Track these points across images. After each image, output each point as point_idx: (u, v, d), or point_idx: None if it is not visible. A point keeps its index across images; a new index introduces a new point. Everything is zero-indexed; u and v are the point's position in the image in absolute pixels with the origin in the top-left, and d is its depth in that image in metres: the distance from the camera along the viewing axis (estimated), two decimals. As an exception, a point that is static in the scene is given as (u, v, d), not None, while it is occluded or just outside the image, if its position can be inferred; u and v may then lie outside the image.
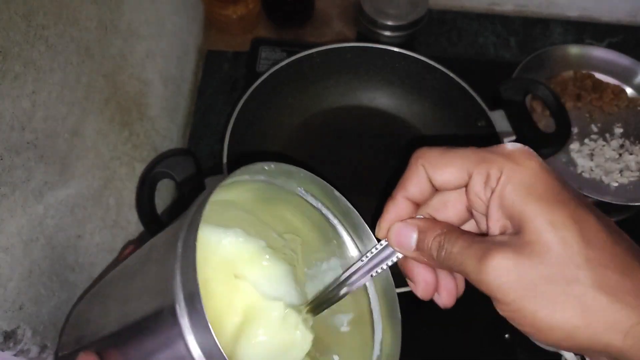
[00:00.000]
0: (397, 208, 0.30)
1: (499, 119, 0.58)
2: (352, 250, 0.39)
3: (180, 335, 0.25)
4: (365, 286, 0.38)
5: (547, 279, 0.24)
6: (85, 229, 0.43)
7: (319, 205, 0.38)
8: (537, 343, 0.29)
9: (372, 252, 0.32)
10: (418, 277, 0.31)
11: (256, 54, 0.74)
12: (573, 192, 0.26)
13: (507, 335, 0.57)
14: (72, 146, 0.40)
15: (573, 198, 0.25)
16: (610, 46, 0.79)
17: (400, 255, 0.31)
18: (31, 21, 0.33)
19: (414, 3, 0.69)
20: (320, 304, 0.35)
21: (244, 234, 0.39)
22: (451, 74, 0.62)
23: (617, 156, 0.66)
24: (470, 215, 0.30)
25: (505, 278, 0.25)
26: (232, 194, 0.37)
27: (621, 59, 0.72)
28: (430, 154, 0.29)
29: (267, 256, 0.39)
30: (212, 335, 0.24)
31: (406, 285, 0.48)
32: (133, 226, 0.52)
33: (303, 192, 0.38)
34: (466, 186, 0.28)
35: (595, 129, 0.68)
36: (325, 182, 0.37)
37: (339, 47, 0.64)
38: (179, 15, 0.66)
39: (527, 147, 0.27)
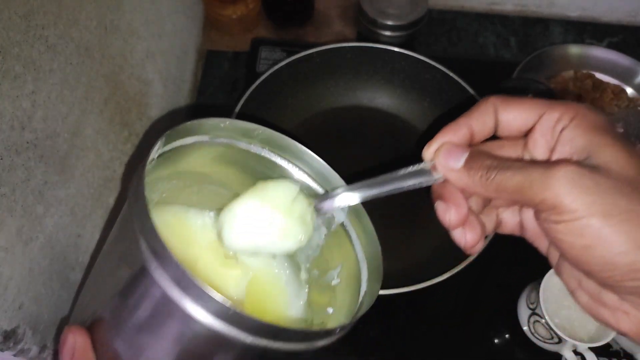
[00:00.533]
0: (453, 134, 0.30)
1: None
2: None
3: (154, 282, 0.26)
4: (347, 232, 0.37)
5: (620, 194, 0.24)
6: (85, 228, 0.43)
7: (286, 164, 0.38)
8: (569, 268, 0.29)
9: (408, 169, 0.31)
10: (451, 199, 0.29)
11: (256, 54, 0.74)
12: None
13: (507, 336, 0.57)
14: (72, 146, 0.40)
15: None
16: (610, 46, 0.79)
17: (438, 178, 0.30)
18: (31, 21, 0.33)
19: (414, 3, 0.69)
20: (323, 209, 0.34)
21: None
22: (451, 74, 0.62)
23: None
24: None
25: (581, 187, 0.24)
26: (199, 162, 0.37)
27: (621, 59, 0.72)
28: (503, 96, 0.29)
29: None
30: (180, 267, 0.24)
31: (406, 285, 0.48)
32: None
33: (268, 152, 0.37)
34: (529, 130, 0.29)
35: (595, 129, 0.68)
36: (287, 137, 0.36)
37: (339, 47, 0.64)
38: (179, 15, 0.66)
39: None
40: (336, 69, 0.65)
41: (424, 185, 0.30)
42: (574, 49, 0.73)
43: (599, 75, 0.72)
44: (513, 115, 0.29)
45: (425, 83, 0.64)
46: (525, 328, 0.56)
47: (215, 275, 0.38)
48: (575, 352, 0.52)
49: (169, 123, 0.63)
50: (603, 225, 0.23)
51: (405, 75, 0.65)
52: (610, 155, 0.25)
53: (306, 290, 0.40)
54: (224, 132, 0.35)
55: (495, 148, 0.31)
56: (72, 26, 0.39)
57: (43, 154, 0.36)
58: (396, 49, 0.64)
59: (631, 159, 0.25)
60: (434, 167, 0.30)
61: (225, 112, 0.69)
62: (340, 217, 0.38)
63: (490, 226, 0.32)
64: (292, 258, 0.41)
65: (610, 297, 0.27)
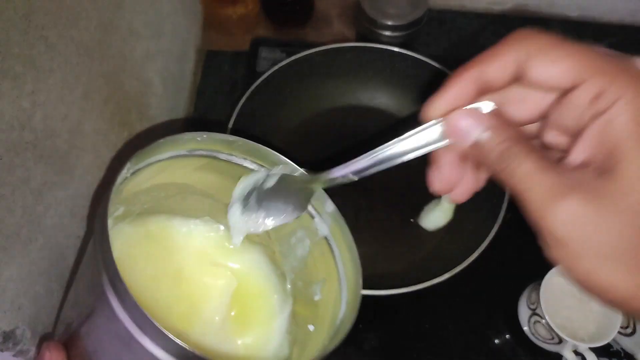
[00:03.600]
0: (461, 88, 0.25)
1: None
2: (314, 216, 0.38)
3: (116, 317, 0.26)
4: (331, 248, 0.37)
5: (628, 243, 0.20)
6: (84, 229, 0.43)
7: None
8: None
9: (410, 133, 0.27)
10: (444, 167, 0.26)
11: (256, 54, 0.74)
12: None
13: (507, 336, 0.57)
14: (71, 146, 0.40)
15: None
16: (610, 46, 0.78)
17: (443, 144, 0.26)
18: (31, 21, 0.33)
19: (414, 3, 0.69)
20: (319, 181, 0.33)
21: (213, 222, 0.39)
22: (451, 74, 0.61)
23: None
24: (542, 122, 0.25)
25: (578, 231, 0.21)
26: (180, 174, 0.36)
27: (621, 59, 0.72)
28: (540, 39, 0.23)
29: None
30: (140, 309, 0.25)
31: (406, 285, 0.48)
32: (133, 226, 0.52)
33: (250, 163, 0.37)
34: (564, 93, 0.23)
35: (595, 129, 0.68)
36: (267, 148, 0.35)
37: (339, 47, 0.64)
38: (179, 15, 0.66)
39: None
40: (336, 69, 0.65)
41: (435, 148, 0.26)
42: (574, 49, 0.73)
43: (599, 75, 0.72)
44: (549, 70, 0.23)
45: (425, 83, 0.64)
46: (525, 328, 0.56)
47: (200, 285, 0.38)
48: (576, 353, 0.52)
49: (168, 123, 0.63)
50: (598, 272, 0.21)
51: (405, 75, 0.65)
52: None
53: (291, 301, 0.40)
54: (203, 145, 0.35)
55: (511, 98, 0.25)
56: (72, 26, 0.38)
57: (43, 154, 0.36)
58: (396, 49, 0.64)
59: None
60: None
61: (224, 113, 0.69)
62: (324, 231, 0.37)
63: (481, 182, 0.29)
64: (278, 268, 0.41)
65: None
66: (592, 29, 0.82)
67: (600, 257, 0.21)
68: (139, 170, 0.32)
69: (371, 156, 0.29)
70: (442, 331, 0.58)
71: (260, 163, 0.37)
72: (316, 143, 0.65)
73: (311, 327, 0.38)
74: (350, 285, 0.36)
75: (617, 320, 0.51)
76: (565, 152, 0.23)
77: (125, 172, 0.30)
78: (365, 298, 0.46)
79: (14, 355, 0.35)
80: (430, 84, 0.64)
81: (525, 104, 0.25)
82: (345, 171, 0.31)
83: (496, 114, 0.25)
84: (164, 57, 0.60)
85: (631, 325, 0.54)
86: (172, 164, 0.35)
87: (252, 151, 0.36)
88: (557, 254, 0.22)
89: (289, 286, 0.41)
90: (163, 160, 0.34)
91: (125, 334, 0.26)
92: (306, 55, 0.63)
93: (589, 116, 0.22)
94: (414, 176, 0.60)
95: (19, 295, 0.35)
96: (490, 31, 0.81)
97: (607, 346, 0.55)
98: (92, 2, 0.42)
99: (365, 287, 0.46)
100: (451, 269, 0.49)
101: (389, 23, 0.68)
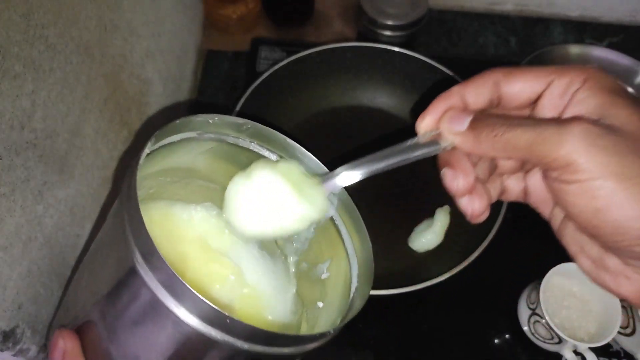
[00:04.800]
0: (445, 103, 0.29)
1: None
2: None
3: (144, 285, 0.25)
4: (337, 228, 0.37)
5: (637, 156, 0.23)
6: (84, 228, 0.43)
7: (275, 158, 0.37)
8: (573, 232, 0.29)
9: (408, 142, 0.30)
10: (459, 166, 0.29)
11: (256, 54, 0.74)
12: None
13: (507, 336, 0.57)
14: (71, 146, 0.40)
15: None
16: (610, 46, 0.79)
17: (443, 148, 0.29)
18: (31, 20, 0.33)
19: (414, 3, 0.69)
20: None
21: (215, 207, 0.39)
22: (451, 74, 0.61)
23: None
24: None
25: (594, 142, 0.23)
26: (186, 158, 0.36)
27: (621, 59, 0.72)
28: (506, 68, 0.28)
29: None
30: (169, 269, 0.24)
31: (406, 285, 0.48)
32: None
33: (257, 146, 0.37)
34: (537, 99, 0.27)
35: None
36: (275, 131, 0.36)
37: (339, 47, 0.64)
38: (179, 15, 0.66)
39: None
40: (336, 69, 0.65)
41: (432, 154, 0.29)
42: (574, 49, 0.73)
43: (599, 75, 0.72)
44: (519, 87, 0.27)
45: (425, 83, 0.64)
46: (525, 328, 0.56)
47: (205, 272, 0.38)
48: (576, 352, 0.52)
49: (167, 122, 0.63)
50: (617, 188, 0.23)
51: (405, 75, 0.65)
52: (625, 116, 0.24)
53: (295, 283, 0.40)
54: (213, 127, 0.35)
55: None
56: (71, 25, 0.38)
57: (42, 154, 0.36)
58: (396, 49, 0.63)
59: None
60: (438, 136, 0.29)
61: (224, 113, 0.69)
62: (330, 212, 0.37)
63: (495, 194, 0.31)
64: (280, 251, 0.41)
65: (613, 261, 0.26)
66: (592, 29, 0.82)
67: (620, 178, 0.22)
68: (152, 152, 0.32)
69: (372, 164, 0.32)
70: (442, 331, 0.58)
71: (267, 147, 0.37)
72: (316, 143, 0.65)
73: (320, 304, 0.38)
74: (360, 259, 0.36)
75: (617, 320, 0.51)
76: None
77: (148, 148, 0.30)
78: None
79: (14, 355, 0.35)
80: (430, 84, 0.64)
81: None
82: (342, 180, 0.32)
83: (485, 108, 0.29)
84: (163, 56, 0.60)
85: (631, 325, 0.54)
86: (180, 148, 0.35)
87: (259, 134, 0.36)
88: (576, 187, 0.24)
89: (292, 269, 0.41)
90: (174, 142, 0.34)
91: (154, 303, 0.25)
92: (306, 55, 0.63)
93: (566, 100, 0.26)
94: (414, 176, 0.60)
95: (19, 294, 0.35)
96: (490, 31, 0.81)
97: (607, 346, 0.55)
98: (92, 2, 0.42)
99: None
100: (451, 269, 0.49)
101: (389, 23, 0.68)
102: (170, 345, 0.27)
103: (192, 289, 0.24)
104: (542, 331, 0.53)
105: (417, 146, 0.30)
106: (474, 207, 0.29)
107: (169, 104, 0.63)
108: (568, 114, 0.26)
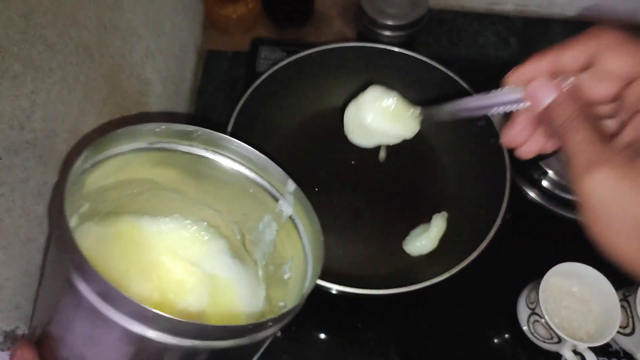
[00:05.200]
0: (539, 65, 0.30)
1: (499, 119, 0.58)
2: (278, 199, 0.40)
3: (82, 297, 0.26)
4: (295, 224, 0.39)
5: None
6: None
7: (231, 163, 0.38)
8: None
9: (494, 92, 0.33)
10: (517, 125, 0.31)
11: (256, 54, 0.74)
12: None
13: (507, 336, 0.57)
14: (71, 146, 0.40)
15: None
16: (611, 46, 0.79)
17: (522, 106, 0.31)
18: (30, 20, 0.33)
19: (414, 3, 0.69)
20: (427, 116, 0.39)
21: (181, 219, 0.40)
22: (451, 74, 0.61)
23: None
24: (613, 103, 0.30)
25: (604, 198, 0.24)
26: (141, 169, 0.37)
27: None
28: (610, 37, 0.28)
29: (207, 236, 0.40)
30: (103, 279, 0.25)
31: (406, 285, 0.48)
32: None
33: (211, 153, 0.38)
34: (628, 82, 0.28)
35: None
36: (226, 136, 0.36)
37: (339, 47, 0.64)
38: (179, 15, 0.66)
39: None
40: (336, 69, 0.65)
41: (514, 108, 0.32)
42: (574, 49, 0.73)
43: (599, 75, 0.72)
44: (619, 62, 0.28)
45: (425, 83, 0.64)
46: (525, 328, 0.56)
47: (175, 281, 0.38)
48: (575, 352, 0.52)
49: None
50: (622, 242, 0.25)
51: (405, 75, 0.65)
52: None
53: (264, 286, 0.41)
54: (161, 137, 0.35)
55: (602, 79, 0.30)
56: (71, 25, 0.38)
57: (42, 154, 0.36)
58: (396, 49, 0.63)
59: None
60: (519, 92, 0.31)
61: (224, 113, 0.69)
62: (288, 210, 0.39)
63: (548, 147, 0.33)
64: (249, 256, 0.42)
65: None
66: (592, 29, 0.82)
67: (621, 225, 0.24)
68: (99, 163, 0.32)
69: (465, 103, 0.35)
70: (442, 331, 0.58)
71: (222, 153, 0.37)
72: (316, 143, 0.65)
73: (282, 304, 0.39)
74: (314, 256, 0.37)
75: (616, 320, 0.51)
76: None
77: (81, 162, 0.30)
78: (365, 298, 0.47)
79: (13, 355, 0.35)
80: (430, 84, 0.64)
81: (598, 88, 0.30)
82: (448, 108, 0.36)
83: (571, 90, 0.29)
84: (163, 56, 0.60)
85: (630, 324, 0.54)
86: (134, 159, 0.35)
87: (212, 141, 0.37)
88: (584, 217, 0.26)
89: (260, 273, 0.41)
90: (124, 153, 0.34)
91: (94, 312, 0.26)
92: (306, 55, 0.63)
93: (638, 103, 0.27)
94: (414, 177, 0.60)
95: (17, 294, 0.35)
96: (490, 31, 0.81)
97: (606, 346, 0.55)
98: (91, 2, 0.42)
99: (365, 286, 0.46)
100: (451, 268, 0.49)
101: (389, 23, 0.68)
102: (118, 351, 0.27)
103: (121, 292, 0.25)
104: (541, 331, 0.53)
105: (498, 95, 0.32)
106: (524, 150, 0.33)
107: (168, 104, 0.63)
108: (633, 123, 0.28)
